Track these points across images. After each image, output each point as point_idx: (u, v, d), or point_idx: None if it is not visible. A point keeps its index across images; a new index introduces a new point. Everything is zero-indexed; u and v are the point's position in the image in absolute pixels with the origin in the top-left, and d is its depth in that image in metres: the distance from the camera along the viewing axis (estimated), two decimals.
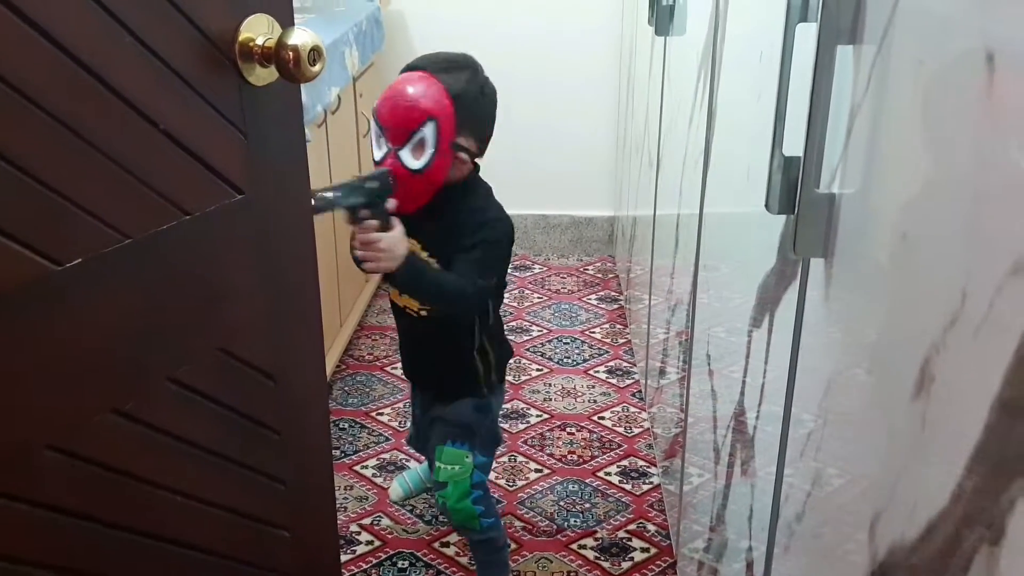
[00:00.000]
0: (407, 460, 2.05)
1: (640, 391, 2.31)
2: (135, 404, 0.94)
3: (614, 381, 2.37)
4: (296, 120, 1.06)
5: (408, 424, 2.09)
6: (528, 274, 2.97)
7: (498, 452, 2.04)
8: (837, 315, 0.82)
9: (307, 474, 1.21)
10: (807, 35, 0.80)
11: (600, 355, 2.50)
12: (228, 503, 1.09)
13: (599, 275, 2.98)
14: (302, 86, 1.04)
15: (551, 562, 1.75)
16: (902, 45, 0.67)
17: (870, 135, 0.75)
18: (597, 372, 2.42)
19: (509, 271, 2.92)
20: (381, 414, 2.23)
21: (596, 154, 2.99)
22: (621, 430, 2.17)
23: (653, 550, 1.78)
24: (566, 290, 2.88)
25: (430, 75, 1.45)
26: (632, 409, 2.25)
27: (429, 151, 1.42)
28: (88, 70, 0.82)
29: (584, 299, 2.82)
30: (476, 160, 1.53)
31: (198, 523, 1.05)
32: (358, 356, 2.49)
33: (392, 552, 1.78)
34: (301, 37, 0.95)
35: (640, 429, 2.17)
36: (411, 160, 1.43)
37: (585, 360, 2.47)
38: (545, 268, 3.03)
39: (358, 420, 2.21)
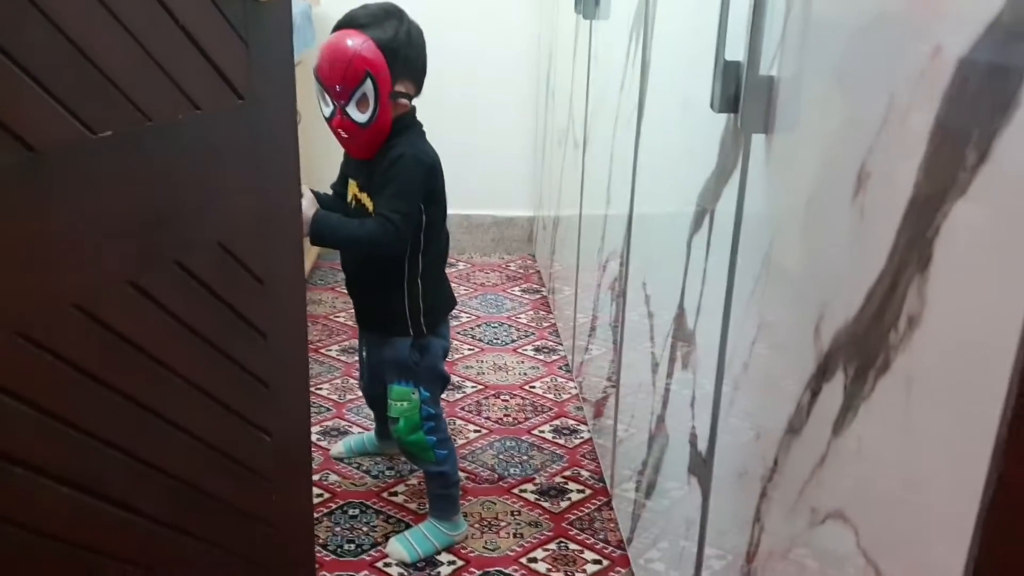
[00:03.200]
0: (349, 427, 2.13)
1: (567, 364, 2.44)
2: (148, 280, 1.02)
3: (542, 357, 2.50)
4: (287, 36, 1.17)
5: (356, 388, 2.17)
6: (453, 270, 3.09)
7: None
8: (778, 177, 0.97)
9: (288, 379, 1.29)
10: None
11: (527, 336, 2.63)
12: (219, 395, 1.17)
13: (521, 271, 3.12)
14: None
15: (495, 504, 1.85)
16: None
17: (803, 27, 0.91)
18: (525, 350, 2.54)
19: None
20: (320, 389, 2.30)
21: (516, 157, 3.15)
22: (551, 396, 2.29)
23: (588, 491, 1.90)
24: (490, 283, 3.01)
25: (358, 31, 1.56)
26: (560, 379, 2.38)
27: (371, 105, 1.55)
28: None
29: (508, 291, 2.95)
30: (412, 100, 1.64)
31: (193, 408, 1.13)
32: None
33: (343, 502, 1.85)
34: None
35: (568, 395, 2.30)
36: (358, 115, 1.56)
37: (513, 341, 2.60)
38: (470, 265, 3.15)
39: None
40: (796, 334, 0.90)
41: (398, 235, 1.57)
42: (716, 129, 1.14)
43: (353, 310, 1.79)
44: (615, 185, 1.81)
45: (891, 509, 0.71)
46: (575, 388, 2.32)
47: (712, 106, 1.06)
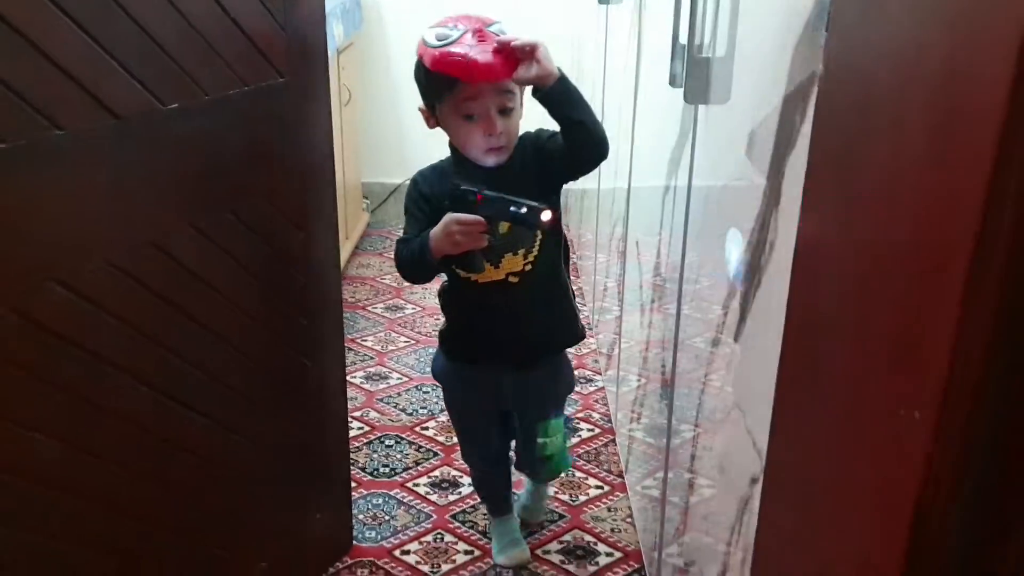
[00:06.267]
0: (389, 372, 2.38)
1: (589, 323, 2.66)
2: (206, 223, 1.26)
3: None
4: (321, 24, 1.40)
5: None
6: None
7: None
8: (712, 140, 1.18)
9: (323, 315, 1.54)
10: None
11: None
12: (267, 323, 1.41)
13: None
14: None
15: None
16: None
17: (731, 18, 1.11)
18: None
19: None
20: (365, 340, 2.56)
21: None
22: (572, 350, 2.50)
23: (597, 430, 2.13)
24: None
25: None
26: None
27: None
28: None
29: None
30: None
31: (246, 330, 1.37)
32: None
33: (380, 434, 2.11)
34: None
35: (589, 350, 2.52)
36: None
37: None
38: None
39: (346, 345, 2.53)
40: (717, 267, 1.11)
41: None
42: (679, 102, 1.34)
43: (474, 345, 1.57)
44: (620, 157, 2.02)
45: (758, 394, 0.93)
46: (594, 343, 2.53)
47: (671, 83, 1.27)
